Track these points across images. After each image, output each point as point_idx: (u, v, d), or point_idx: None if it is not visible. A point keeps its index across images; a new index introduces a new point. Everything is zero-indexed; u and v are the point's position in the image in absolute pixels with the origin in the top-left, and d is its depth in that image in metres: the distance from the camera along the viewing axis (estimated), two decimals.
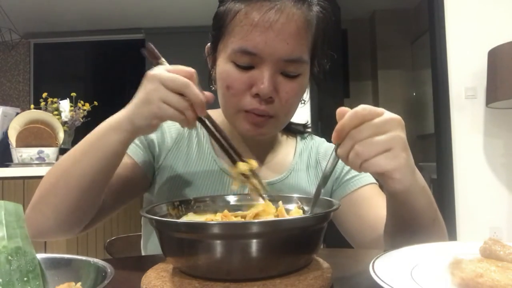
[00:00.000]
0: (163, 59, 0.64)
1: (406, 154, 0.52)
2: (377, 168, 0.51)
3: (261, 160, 0.84)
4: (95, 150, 0.62)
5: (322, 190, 0.57)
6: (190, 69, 0.59)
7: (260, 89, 0.68)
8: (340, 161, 0.86)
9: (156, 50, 0.64)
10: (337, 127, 0.51)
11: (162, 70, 0.57)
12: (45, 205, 0.64)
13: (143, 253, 0.87)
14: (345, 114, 0.51)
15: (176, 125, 0.82)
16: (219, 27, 0.74)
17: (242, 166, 0.61)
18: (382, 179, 0.55)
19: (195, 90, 0.56)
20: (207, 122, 0.62)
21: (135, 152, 0.77)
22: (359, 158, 0.50)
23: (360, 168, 0.52)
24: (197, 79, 0.59)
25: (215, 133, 0.63)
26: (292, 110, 0.76)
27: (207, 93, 0.58)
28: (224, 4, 0.73)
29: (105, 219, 0.75)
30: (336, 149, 0.53)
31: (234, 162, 0.63)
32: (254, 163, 0.63)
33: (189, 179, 0.79)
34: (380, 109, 0.52)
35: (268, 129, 0.74)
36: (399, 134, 0.51)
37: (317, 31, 0.73)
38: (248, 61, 0.69)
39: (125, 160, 0.73)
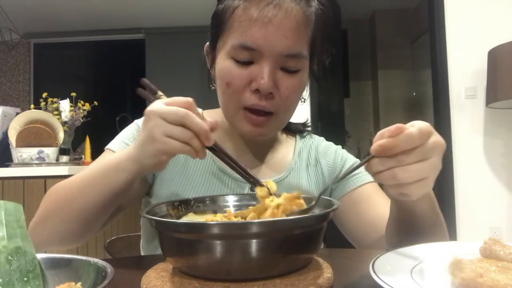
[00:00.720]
0: (160, 93, 0.63)
1: (435, 180, 0.51)
2: (405, 192, 0.50)
3: (261, 159, 0.84)
4: (100, 185, 0.63)
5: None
6: (187, 99, 0.56)
7: (260, 84, 0.68)
8: (340, 159, 0.85)
9: (152, 85, 0.63)
10: (387, 144, 0.48)
11: (160, 104, 0.55)
12: (47, 226, 0.66)
13: (142, 254, 0.87)
14: (401, 132, 0.48)
15: None
16: (217, 24, 0.74)
17: (259, 192, 0.58)
18: (396, 194, 0.53)
19: (195, 119, 0.54)
20: (216, 149, 0.60)
21: None
22: (394, 180, 0.49)
23: (388, 186, 0.51)
24: (195, 107, 0.57)
25: (227, 159, 0.61)
26: (292, 107, 0.75)
27: (210, 121, 0.55)
28: (222, 2, 0.73)
29: (107, 225, 0.77)
30: (369, 159, 0.50)
31: (254, 184, 0.61)
32: (273, 185, 0.59)
33: (188, 180, 0.79)
34: (428, 129, 0.49)
35: (268, 128, 0.74)
36: (438, 162, 0.50)
37: (316, 27, 0.73)
38: (247, 57, 0.69)
39: None
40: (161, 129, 0.54)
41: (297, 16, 0.69)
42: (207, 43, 0.79)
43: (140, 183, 0.78)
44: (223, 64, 0.71)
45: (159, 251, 0.76)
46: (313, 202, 0.56)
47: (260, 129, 0.73)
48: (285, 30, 0.68)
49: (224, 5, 0.73)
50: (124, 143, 0.78)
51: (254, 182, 0.60)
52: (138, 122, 0.82)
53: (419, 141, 0.48)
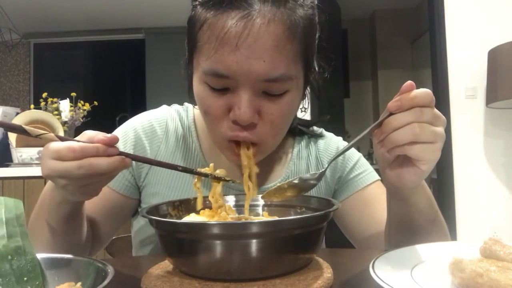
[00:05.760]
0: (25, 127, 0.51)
1: (441, 150, 0.52)
2: (415, 154, 0.51)
3: (259, 164, 0.80)
4: (48, 209, 0.63)
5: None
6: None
7: (237, 115, 0.59)
8: (342, 155, 0.82)
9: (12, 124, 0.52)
10: (405, 96, 0.50)
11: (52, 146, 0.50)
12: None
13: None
14: (413, 88, 0.51)
15: (158, 137, 0.76)
16: (190, 36, 0.64)
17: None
18: (401, 169, 0.54)
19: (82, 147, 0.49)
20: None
21: (114, 183, 0.74)
22: (411, 136, 0.49)
23: (398, 147, 0.51)
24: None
25: (153, 162, 0.59)
26: (280, 131, 0.67)
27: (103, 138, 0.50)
28: (195, 8, 0.63)
29: (108, 242, 0.79)
30: (385, 117, 0.52)
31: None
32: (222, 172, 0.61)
33: (176, 193, 0.75)
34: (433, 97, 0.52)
35: (256, 157, 0.65)
36: (443, 132, 0.52)
37: (307, 35, 0.62)
38: (221, 84, 0.60)
39: (108, 193, 0.73)
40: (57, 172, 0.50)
41: (275, 32, 0.57)
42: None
43: (131, 202, 0.76)
44: (198, 89, 0.63)
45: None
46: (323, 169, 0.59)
47: None
48: (260, 52, 0.56)
49: (194, 14, 0.62)
50: None
51: (205, 174, 0.59)
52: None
53: (432, 99, 0.50)
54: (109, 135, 0.51)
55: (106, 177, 0.53)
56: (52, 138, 0.51)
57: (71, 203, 0.60)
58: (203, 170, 0.59)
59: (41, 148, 2.44)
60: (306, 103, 0.77)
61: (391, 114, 0.51)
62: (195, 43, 0.62)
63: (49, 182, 0.63)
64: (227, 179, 0.61)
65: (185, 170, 0.58)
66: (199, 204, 0.61)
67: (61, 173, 0.50)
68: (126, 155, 0.52)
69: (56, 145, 0.50)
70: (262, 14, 0.57)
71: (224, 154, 0.68)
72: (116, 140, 0.51)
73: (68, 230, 0.64)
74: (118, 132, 0.78)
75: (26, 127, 0.50)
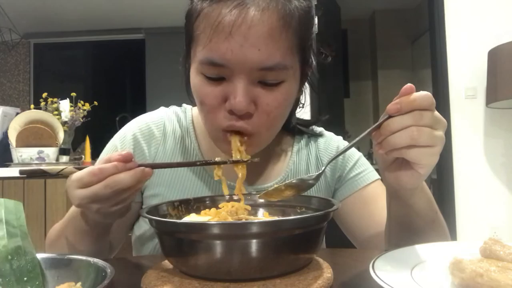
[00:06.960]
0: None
1: (440, 153, 0.52)
2: (413, 158, 0.50)
3: (258, 163, 0.77)
4: (77, 232, 0.65)
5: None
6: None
7: (232, 104, 0.59)
8: (342, 156, 0.82)
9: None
10: (404, 99, 0.50)
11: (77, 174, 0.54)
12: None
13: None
14: (413, 91, 0.50)
15: (155, 139, 0.77)
16: (187, 30, 0.65)
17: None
18: (399, 171, 0.54)
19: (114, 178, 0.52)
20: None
21: None
22: (409, 139, 0.49)
23: (396, 150, 0.50)
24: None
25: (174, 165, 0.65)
26: (276, 123, 0.66)
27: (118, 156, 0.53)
28: (191, 2, 0.64)
29: (118, 248, 0.81)
30: (384, 119, 0.51)
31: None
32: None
33: (176, 192, 0.75)
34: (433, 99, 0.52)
35: (250, 149, 0.65)
36: (443, 136, 0.51)
37: (303, 27, 0.62)
38: (217, 73, 0.60)
39: None
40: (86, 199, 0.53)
41: (270, 21, 0.57)
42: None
43: (136, 203, 0.77)
44: (194, 80, 0.63)
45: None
46: (320, 171, 0.58)
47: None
48: (255, 40, 0.56)
49: (192, 6, 0.63)
50: None
51: (225, 162, 0.61)
52: (115, 142, 0.77)
53: (432, 102, 0.50)
54: (123, 152, 0.54)
55: (132, 191, 0.55)
56: (71, 170, 0.55)
57: (104, 224, 0.63)
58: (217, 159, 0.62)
59: (41, 148, 2.43)
60: (304, 99, 0.77)
61: (390, 116, 0.51)
62: (191, 34, 0.63)
63: (75, 209, 0.67)
64: (245, 160, 0.63)
65: (205, 163, 0.64)
66: (225, 191, 0.63)
67: (90, 198, 0.53)
68: (145, 165, 0.54)
69: (77, 175, 0.53)
70: (257, 3, 0.57)
71: (218, 146, 0.68)
72: (130, 155, 0.54)
73: (96, 249, 0.67)
74: (117, 136, 0.78)
75: (45, 168, 0.55)
